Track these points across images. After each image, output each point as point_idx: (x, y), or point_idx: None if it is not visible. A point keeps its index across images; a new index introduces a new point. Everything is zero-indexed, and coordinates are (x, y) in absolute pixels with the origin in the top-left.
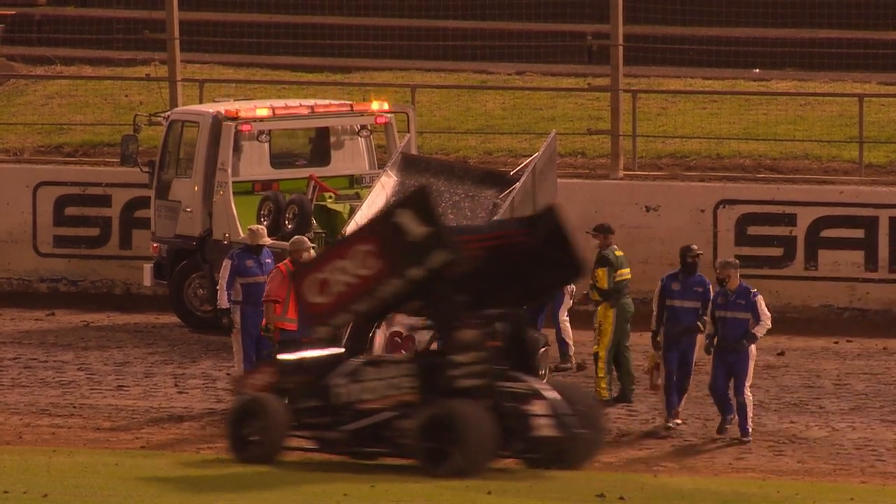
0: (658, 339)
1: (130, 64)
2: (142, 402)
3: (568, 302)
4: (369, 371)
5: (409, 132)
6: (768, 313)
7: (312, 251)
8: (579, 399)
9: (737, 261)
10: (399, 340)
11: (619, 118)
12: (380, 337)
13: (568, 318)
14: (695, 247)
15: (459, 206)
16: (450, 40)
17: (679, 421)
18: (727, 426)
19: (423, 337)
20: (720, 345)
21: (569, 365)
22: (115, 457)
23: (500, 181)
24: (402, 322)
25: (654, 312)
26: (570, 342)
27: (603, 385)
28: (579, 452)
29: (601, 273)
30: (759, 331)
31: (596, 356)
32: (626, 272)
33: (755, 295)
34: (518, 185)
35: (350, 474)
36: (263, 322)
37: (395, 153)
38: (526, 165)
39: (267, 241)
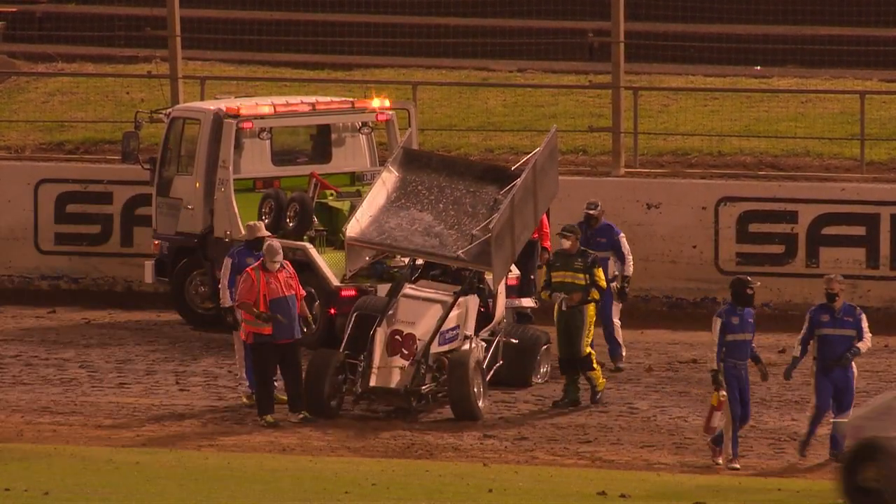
0: (720, 376)
1: (132, 61)
2: (143, 399)
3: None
4: None
5: (410, 128)
6: (868, 332)
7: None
8: None
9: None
10: (399, 339)
11: (620, 115)
12: (380, 336)
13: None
14: (751, 279)
15: (460, 202)
16: (451, 37)
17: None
18: (808, 449)
19: (424, 336)
20: (824, 364)
21: (621, 366)
22: (116, 454)
23: (502, 176)
24: (402, 320)
25: (716, 351)
26: (622, 343)
27: (600, 374)
28: None
29: (601, 273)
30: (863, 346)
31: (588, 357)
32: None
33: (861, 312)
34: (518, 181)
35: (351, 473)
36: (248, 328)
37: (396, 148)
38: (527, 161)
39: (265, 233)
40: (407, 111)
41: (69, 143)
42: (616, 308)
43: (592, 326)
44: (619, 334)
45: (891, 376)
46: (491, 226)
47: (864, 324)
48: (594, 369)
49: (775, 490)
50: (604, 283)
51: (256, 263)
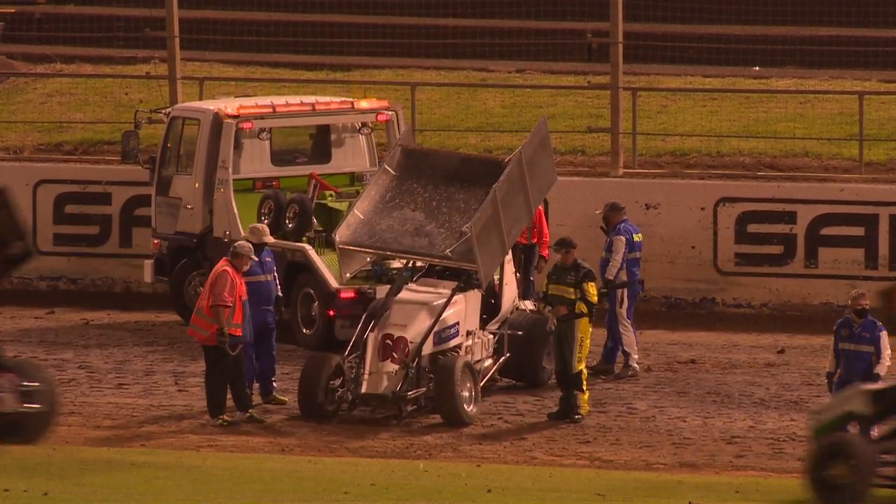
0: None
1: (130, 62)
2: (142, 400)
3: (622, 307)
4: None
5: (408, 126)
6: (889, 350)
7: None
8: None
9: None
10: (390, 343)
11: (618, 116)
12: (371, 340)
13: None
14: None
15: (454, 198)
16: (450, 38)
17: None
18: None
19: (416, 339)
20: (843, 379)
21: (631, 372)
22: (115, 455)
23: (496, 170)
24: (394, 324)
25: None
26: (633, 352)
27: (586, 399)
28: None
29: (592, 287)
30: (881, 369)
31: (580, 374)
32: None
33: (880, 329)
34: (503, 176)
35: (350, 473)
36: (213, 328)
37: (393, 148)
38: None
39: (270, 239)
40: (395, 113)
41: (68, 143)
42: (620, 311)
43: (587, 343)
44: (628, 343)
45: (890, 376)
46: (469, 226)
47: (884, 342)
48: (583, 391)
49: (775, 490)
50: (594, 298)
51: (224, 260)
